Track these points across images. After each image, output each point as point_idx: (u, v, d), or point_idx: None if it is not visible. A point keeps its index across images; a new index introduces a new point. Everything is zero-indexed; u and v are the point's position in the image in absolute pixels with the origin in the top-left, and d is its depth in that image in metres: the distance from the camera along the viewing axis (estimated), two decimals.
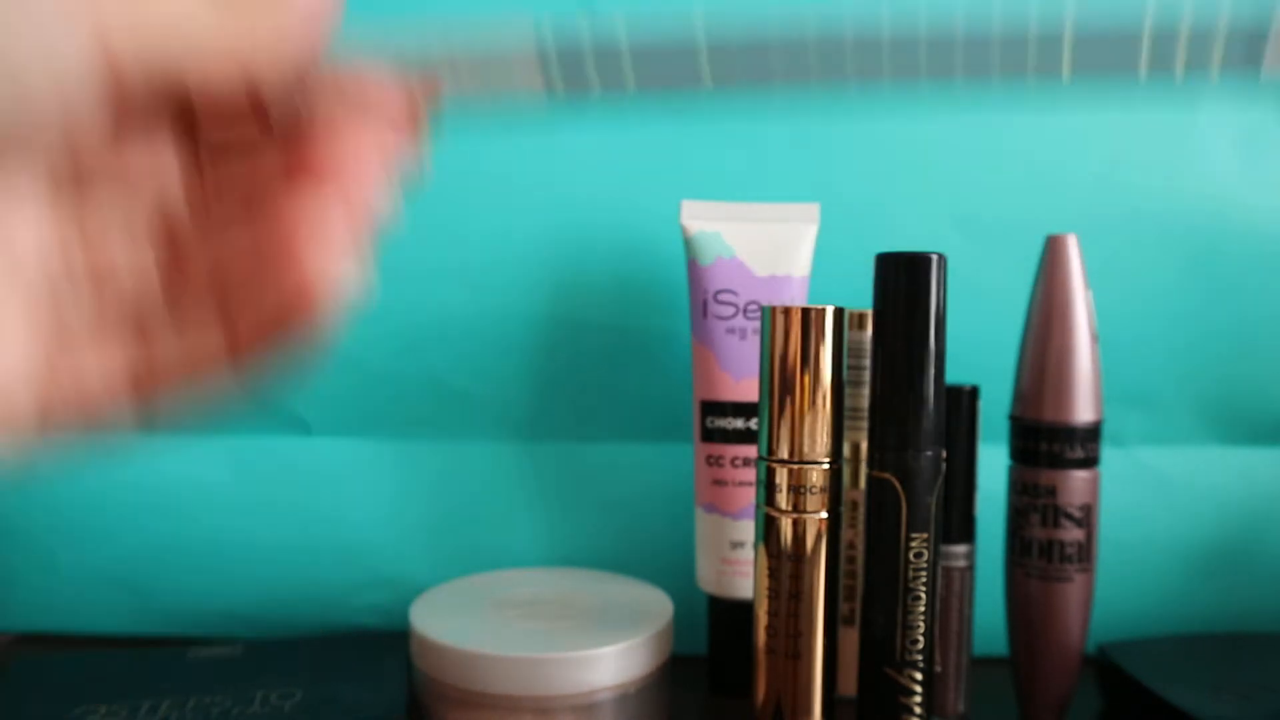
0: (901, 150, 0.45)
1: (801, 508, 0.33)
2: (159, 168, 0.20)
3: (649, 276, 0.45)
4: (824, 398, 0.33)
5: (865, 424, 0.39)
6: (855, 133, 0.45)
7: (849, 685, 0.39)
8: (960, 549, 0.39)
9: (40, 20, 0.16)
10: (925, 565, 0.33)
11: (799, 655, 0.33)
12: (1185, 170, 0.45)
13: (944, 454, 0.33)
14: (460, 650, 0.35)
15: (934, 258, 0.32)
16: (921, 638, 0.33)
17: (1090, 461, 0.37)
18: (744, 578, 0.41)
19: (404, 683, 0.38)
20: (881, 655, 0.33)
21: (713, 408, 0.41)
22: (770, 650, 0.34)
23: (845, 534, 0.40)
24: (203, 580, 0.47)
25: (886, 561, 0.33)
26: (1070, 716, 0.39)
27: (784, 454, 0.33)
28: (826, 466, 0.33)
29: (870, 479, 0.33)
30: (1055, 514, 0.37)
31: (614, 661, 0.35)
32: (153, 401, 0.20)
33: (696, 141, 0.45)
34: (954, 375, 0.40)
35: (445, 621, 0.37)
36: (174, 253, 0.20)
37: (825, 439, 0.33)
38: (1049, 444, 0.37)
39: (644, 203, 0.45)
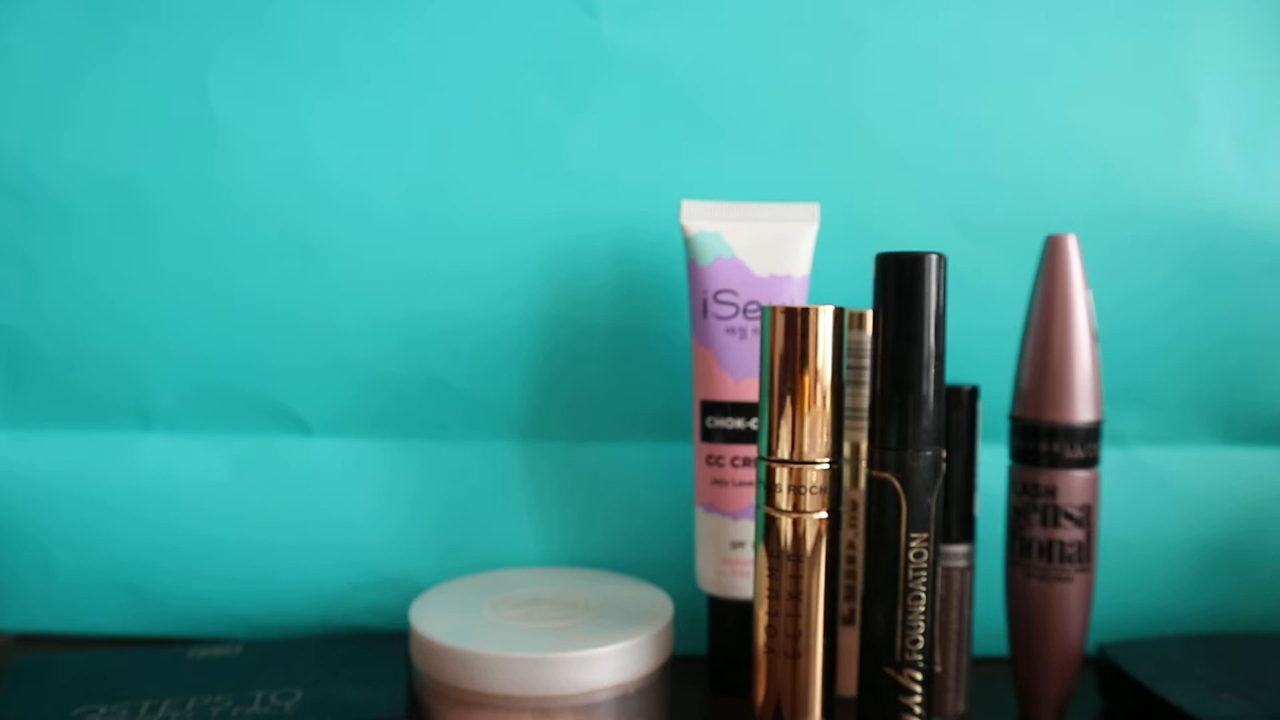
0: (901, 150, 0.45)
1: (801, 508, 0.33)
2: None
3: (649, 276, 0.45)
4: (824, 398, 0.33)
5: (865, 424, 0.39)
6: (855, 133, 0.45)
7: (849, 685, 0.39)
8: (960, 549, 0.39)
9: None
10: (925, 565, 0.33)
11: (799, 655, 0.33)
12: (1186, 169, 0.45)
13: (944, 454, 0.33)
14: (460, 650, 0.35)
15: (934, 257, 0.32)
16: (921, 638, 0.33)
17: (1090, 461, 0.37)
18: (744, 578, 0.41)
19: (404, 683, 0.38)
20: (881, 655, 0.33)
21: (713, 408, 0.41)
22: (770, 650, 0.34)
23: (845, 534, 0.40)
24: (202, 581, 0.47)
25: (886, 561, 0.33)
26: (1070, 716, 0.39)
27: (784, 454, 0.33)
28: (826, 466, 0.33)
29: (870, 479, 0.33)
30: (1055, 514, 0.37)
31: (614, 661, 0.35)
32: None
33: (696, 141, 0.45)
34: (954, 375, 0.40)
35: (445, 621, 0.37)
36: None
37: (825, 439, 0.33)
38: (1049, 444, 0.37)
39: (644, 203, 0.45)
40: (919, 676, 0.33)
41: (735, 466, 0.40)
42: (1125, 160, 0.45)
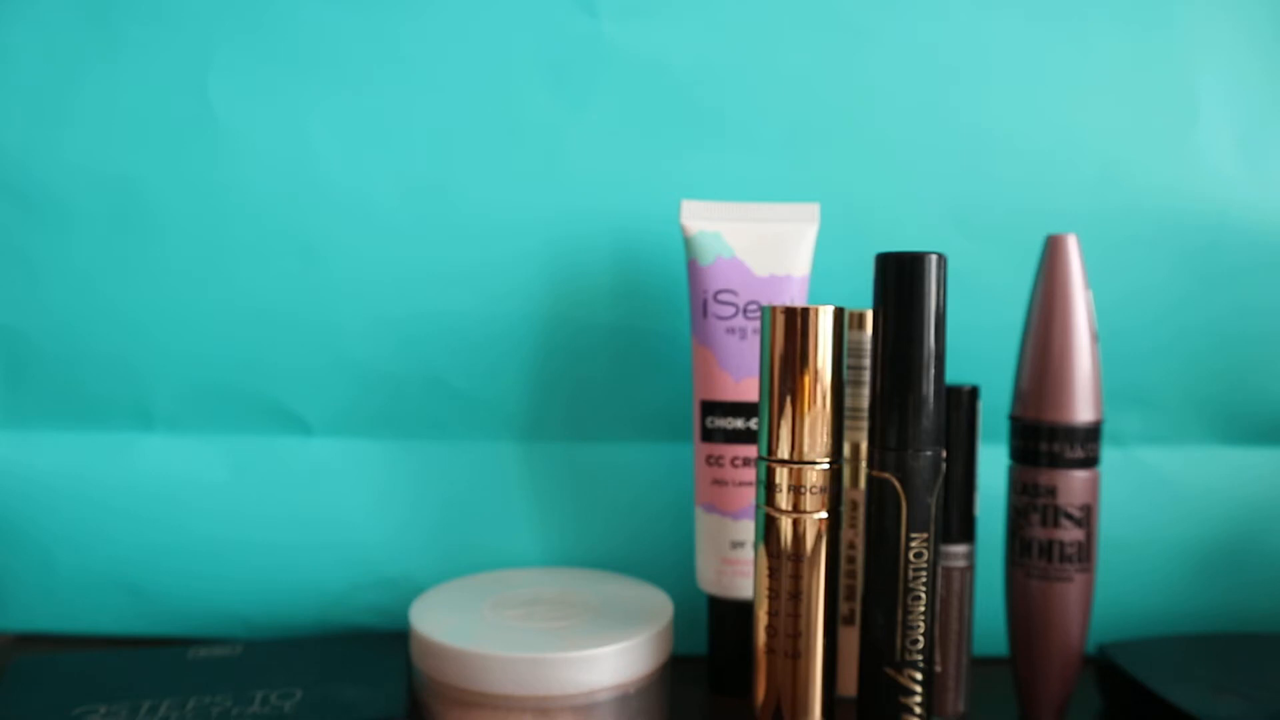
0: (901, 150, 0.45)
1: (801, 508, 0.33)
2: None
3: (649, 276, 0.45)
4: (824, 398, 0.33)
5: (865, 424, 0.39)
6: (855, 133, 0.45)
7: (849, 685, 0.39)
8: (960, 549, 0.39)
9: None
10: (925, 565, 0.33)
11: (799, 655, 0.33)
12: (1186, 169, 0.45)
13: (944, 454, 0.33)
14: (460, 650, 0.35)
15: (934, 257, 0.32)
16: (921, 638, 0.33)
17: (1090, 461, 0.37)
18: (744, 578, 0.41)
19: (404, 683, 0.38)
20: (881, 655, 0.33)
21: (713, 408, 0.41)
22: (770, 650, 0.34)
23: (845, 534, 0.40)
24: (202, 580, 0.47)
25: (886, 561, 0.33)
26: (1070, 716, 0.39)
27: (784, 454, 0.33)
28: (826, 466, 0.33)
29: (870, 479, 0.33)
30: (1055, 514, 0.37)
31: (614, 661, 0.35)
32: None
33: (696, 141, 0.45)
34: (954, 375, 0.40)
35: (445, 621, 0.37)
36: None
37: (825, 439, 0.33)
38: (1049, 444, 0.37)
39: (644, 203, 0.45)
40: (919, 676, 0.33)
41: (735, 466, 0.40)
42: (1125, 160, 0.45)
